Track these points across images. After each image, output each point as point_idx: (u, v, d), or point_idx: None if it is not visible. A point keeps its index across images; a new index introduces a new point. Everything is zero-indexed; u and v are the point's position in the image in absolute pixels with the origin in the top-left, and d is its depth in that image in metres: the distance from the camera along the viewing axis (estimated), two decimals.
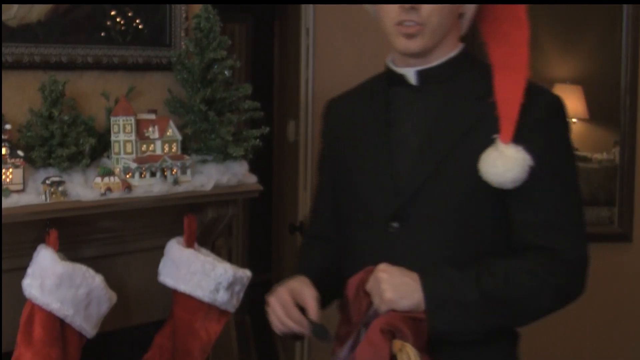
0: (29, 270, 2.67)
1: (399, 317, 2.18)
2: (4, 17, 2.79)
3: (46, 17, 2.90)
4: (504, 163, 2.21)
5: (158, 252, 3.06)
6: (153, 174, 2.93)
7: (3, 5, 2.79)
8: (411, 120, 2.38)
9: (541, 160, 2.24)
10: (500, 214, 2.29)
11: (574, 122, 7.40)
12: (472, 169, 2.25)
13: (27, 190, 2.70)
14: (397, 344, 2.14)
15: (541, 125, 2.27)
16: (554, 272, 2.23)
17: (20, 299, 2.66)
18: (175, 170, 2.97)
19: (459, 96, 2.34)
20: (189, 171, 3.01)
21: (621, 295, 5.52)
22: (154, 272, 3.06)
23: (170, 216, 3.08)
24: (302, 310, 2.28)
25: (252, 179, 3.22)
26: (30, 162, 2.77)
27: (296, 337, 2.38)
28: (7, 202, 2.62)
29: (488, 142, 2.25)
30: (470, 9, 2.39)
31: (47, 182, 2.70)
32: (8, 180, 2.64)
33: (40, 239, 2.72)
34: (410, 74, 2.39)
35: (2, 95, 2.73)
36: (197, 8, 3.16)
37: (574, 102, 7.28)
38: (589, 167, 6.99)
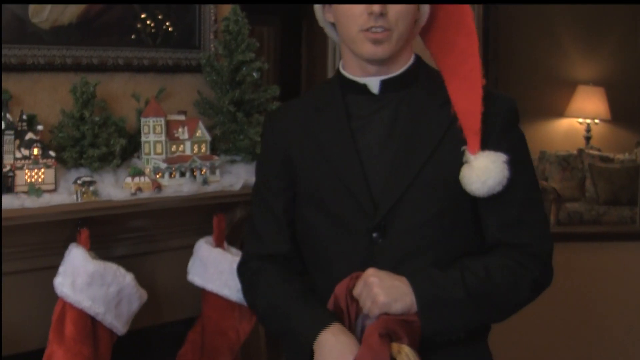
0: (61, 269, 2.65)
1: (392, 320, 2.15)
2: (36, 20, 2.79)
3: (78, 20, 2.89)
4: (479, 175, 2.22)
5: (188, 251, 3.03)
6: (183, 174, 2.91)
7: (34, 8, 2.78)
8: (375, 130, 2.30)
9: (508, 164, 2.25)
10: (474, 214, 2.30)
11: (596, 124, 7.35)
12: (447, 178, 2.25)
13: (58, 190, 2.69)
14: (395, 346, 2.11)
15: (505, 131, 2.29)
16: (527, 265, 2.26)
17: (53, 297, 2.64)
18: (204, 170, 2.95)
19: (424, 104, 2.30)
20: (218, 171, 3.00)
21: None
22: (184, 270, 3.03)
23: (199, 215, 3.06)
24: None
25: None
26: (62, 163, 2.76)
27: None
28: (39, 202, 2.60)
29: (459, 152, 2.26)
30: (424, 15, 2.31)
31: (79, 182, 2.68)
32: (40, 180, 2.63)
33: (72, 238, 2.70)
34: (373, 83, 2.31)
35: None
36: (226, 11, 3.15)
37: (596, 104, 7.23)
38: (611, 167, 6.94)
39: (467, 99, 2.27)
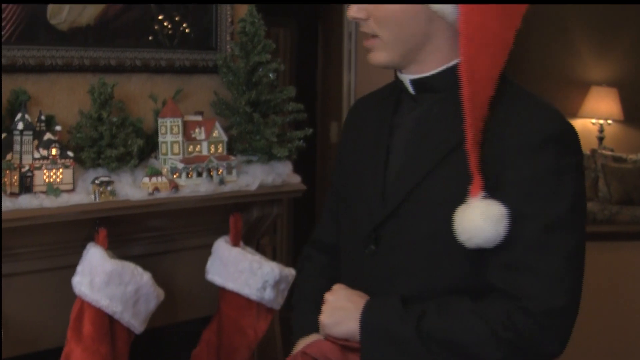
0: (79, 268, 2.64)
1: (328, 345, 2.04)
2: (54, 22, 2.77)
3: (96, 22, 2.88)
4: (465, 230, 1.90)
5: (205, 250, 3.02)
6: (199, 174, 2.89)
7: (53, 9, 2.77)
8: (403, 132, 2.12)
9: (521, 194, 1.90)
10: (482, 251, 1.94)
11: (609, 124, 7.31)
12: (446, 198, 1.95)
13: (77, 189, 2.67)
14: None
15: (528, 152, 1.90)
16: (508, 323, 1.88)
17: (71, 296, 2.63)
18: (221, 170, 2.93)
19: (451, 112, 2.02)
20: (234, 171, 2.98)
21: None
22: (201, 269, 3.02)
23: (216, 215, 3.04)
24: None
25: (296, 178, 3.18)
26: (80, 163, 2.74)
27: None
28: (57, 202, 2.59)
29: (465, 172, 1.92)
30: (447, 9, 2.00)
31: (97, 182, 2.67)
32: (58, 180, 2.61)
33: (90, 238, 2.69)
34: (406, 82, 2.12)
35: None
36: (242, 12, 3.13)
37: (609, 104, 7.20)
38: (624, 167, 6.91)
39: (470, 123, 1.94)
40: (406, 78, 2.12)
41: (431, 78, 2.09)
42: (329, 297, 2.07)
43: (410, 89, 2.13)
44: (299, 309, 2.31)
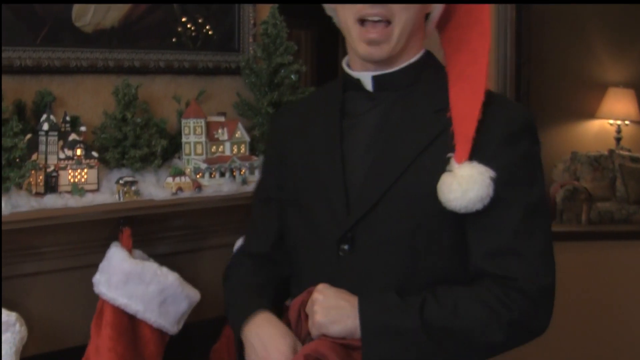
0: (100, 266, 2.63)
1: (328, 344, 1.96)
2: (79, 24, 2.77)
3: (120, 24, 2.87)
4: (461, 184, 1.91)
5: (227, 249, 2.99)
6: (222, 174, 2.88)
7: (77, 12, 2.76)
8: (364, 130, 2.09)
9: (502, 181, 1.94)
10: (458, 239, 2.00)
11: (627, 125, 7.27)
12: (427, 191, 1.97)
13: (101, 189, 2.66)
14: None
15: (503, 142, 1.97)
16: (508, 304, 1.93)
17: (94, 294, 2.62)
18: (243, 170, 2.92)
19: (419, 108, 2.05)
20: (257, 171, 2.96)
21: None
22: (223, 268, 3.00)
23: (238, 215, 3.02)
24: None
25: None
26: (105, 163, 2.74)
27: None
28: (82, 201, 2.58)
29: (444, 163, 1.97)
30: (437, 9, 2.10)
31: (121, 182, 2.66)
32: (83, 180, 2.60)
33: (114, 237, 2.68)
34: (366, 79, 2.11)
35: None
36: (264, 14, 3.12)
37: (626, 106, 7.15)
38: None
39: (466, 102, 1.99)
40: (367, 75, 2.11)
41: (393, 75, 2.09)
42: (317, 296, 2.01)
43: (369, 86, 2.11)
44: (239, 298, 2.26)
